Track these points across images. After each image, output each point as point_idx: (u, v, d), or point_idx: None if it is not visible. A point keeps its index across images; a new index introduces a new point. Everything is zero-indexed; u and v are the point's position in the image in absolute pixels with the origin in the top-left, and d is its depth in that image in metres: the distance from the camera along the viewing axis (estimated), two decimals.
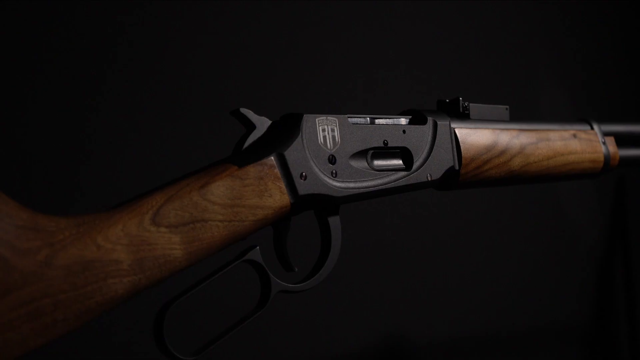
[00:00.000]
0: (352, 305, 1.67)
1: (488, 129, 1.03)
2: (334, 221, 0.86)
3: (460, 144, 0.98)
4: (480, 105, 1.05)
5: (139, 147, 1.39)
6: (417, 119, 0.95)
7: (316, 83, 1.63)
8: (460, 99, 1.03)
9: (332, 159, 0.83)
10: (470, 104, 1.03)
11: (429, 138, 0.94)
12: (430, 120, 0.95)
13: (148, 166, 1.37)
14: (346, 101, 1.66)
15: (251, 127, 0.80)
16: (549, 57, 2.12)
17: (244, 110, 0.80)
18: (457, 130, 0.98)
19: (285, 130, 0.81)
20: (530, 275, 2.06)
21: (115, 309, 0.66)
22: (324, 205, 0.84)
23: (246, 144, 0.79)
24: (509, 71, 2.01)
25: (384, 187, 0.88)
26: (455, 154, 0.98)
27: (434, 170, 0.94)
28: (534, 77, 2.07)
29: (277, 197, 0.77)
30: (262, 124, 0.81)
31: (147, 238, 0.67)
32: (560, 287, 2.12)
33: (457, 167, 0.97)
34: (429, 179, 0.93)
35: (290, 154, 0.79)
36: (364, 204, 0.92)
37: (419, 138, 0.93)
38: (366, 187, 0.86)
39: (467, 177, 1.00)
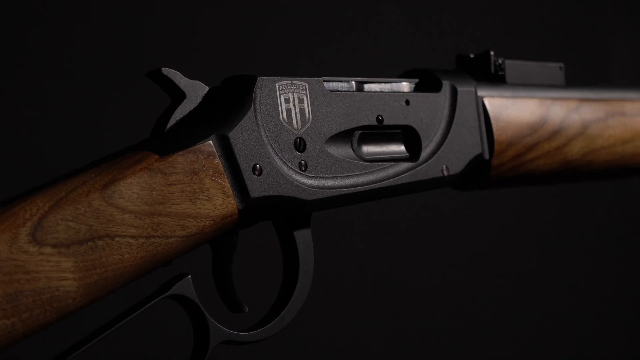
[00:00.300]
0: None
1: (534, 98, 1.04)
2: (303, 237, 0.86)
3: (492, 122, 0.99)
4: (522, 62, 1.07)
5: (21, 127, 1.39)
6: (427, 84, 0.96)
7: (275, 33, 1.63)
8: (492, 53, 1.04)
9: (300, 144, 0.83)
10: (507, 61, 1.05)
11: (445, 112, 0.95)
12: (446, 85, 0.96)
13: (33, 154, 1.38)
14: (320, 60, 1.67)
15: (179, 95, 0.80)
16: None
17: (167, 72, 0.79)
18: (486, 101, 0.99)
19: (230, 100, 0.81)
20: (592, 315, 2.12)
21: None
22: (287, 213, 0.84)
23: (171, 122, 0.79)
24: (564, 13, 2.02)
25: (377, 186, 0.88)
26: (485, 136, 0.99)
27: (453, 160, 0.95)
28: (601, 21, 2.09)
29: (219, 200, 0.77)
30: (195, 91, 0.80)
31: (24, 263, 0.66)
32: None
33: (487, 156, 0.98)
34: (446, 173, 0.94)
35: (238, 136, 0.78)
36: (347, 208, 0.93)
37: (429, 112, 0.94)
38: (351, 187, 0.86)
39: (502, 171, 1.01)
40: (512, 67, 1.05)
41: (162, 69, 0.79)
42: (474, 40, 1.82)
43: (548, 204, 2.06)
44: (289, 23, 1.68)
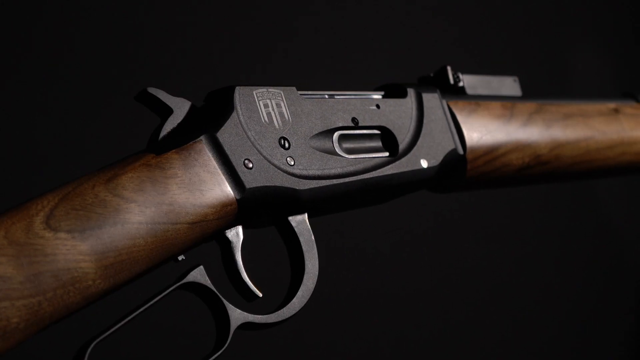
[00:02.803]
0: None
1: (496, 101, 1.06)
2: (300, 223, 0.87)
3: (460, 121, 1.01)
4: (478, 76, 1.09)
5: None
6: (394, 93, 0.99)
7: (252, 55, 1.67)
8: (448, 67, 1.06)
9: (284, 143, 0.85)
10: (464, 75, 1.07)
11: (414, 113, 0.97)
12: (411, 91, 0.99)
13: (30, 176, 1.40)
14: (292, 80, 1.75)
15: (166, 111, 0.82)
16: (583, 15, 2.19)
17: (153, 91, 0.81)
18: (452, 104, 1.02)
19: (214, 109, 0.83)
20: (560, 305, 2.17)
21: (10, 351, 0.66)
22: (283, 204, 0.85)
23: (162, 133, 0.81)
24: (522, 33, 2.07)
25: (363, 177, 0.90)
26: (456, 133, 1.00)
27: (430, 154, 0.96)
28: (557, 37, 2.14)
29: (217, 191, 0.78)
30: (180, 106, 0.82)
31: (41, 246, 0.67)
32: (601, 322, 2.22)
33: (461, 151, 1.00)
34: (425, 165, 0.95)
35: (225, 135, 0.80)
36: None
37: (399, 114, 0.96)
38: (338, 177, 0.88)
39: (477, 165, 1.02)
40: (470, 80, 1.07)
41: (148, 88, 0.82)
42: (436, 62, 1.88)
43: (533, 210, 2.15)
44: (267, 48, 1.72)
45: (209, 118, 0.82)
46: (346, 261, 1.82)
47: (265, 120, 0.84)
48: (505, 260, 2.11)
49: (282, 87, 0.88)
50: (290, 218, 0.86)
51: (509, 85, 1.12)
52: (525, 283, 2.14)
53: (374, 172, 0.91)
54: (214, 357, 0.78)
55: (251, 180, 0.81)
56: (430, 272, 2.00)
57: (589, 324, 2.24)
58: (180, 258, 0.78)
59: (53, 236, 0.68)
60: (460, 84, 1.06)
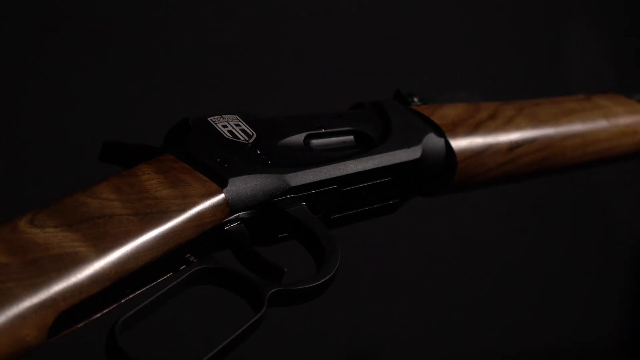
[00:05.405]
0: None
1: (461, 102, 1.07)
2: (300, 212, 0.84)
3: (429, 116, 1.01)
4: (433, 92, 1.10)
5: None
6: (352, 107, 1.00)
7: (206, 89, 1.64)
8: (399, 90, 1.07)
9: (255, 149, 0.84)
10: (419, 94, 1.07)
11: (377, 116, 0.97)
12: (367, 103, 1.00)
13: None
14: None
15: (129, 159, 0.81)
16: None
17: (112, 142, 0.83)
18: (414, 107, 1.02)
19: (173, 138, 0.84)
20: (553, 283, 2.27)
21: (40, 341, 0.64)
22: (274, 193, 0.82)
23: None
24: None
25: (348, 162, 0.88)
26: (428, 125, 1.00)
27: (408, 139, 0.95)
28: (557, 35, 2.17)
29: (199, 184, 0.77)
30: (142, 149, 0.82)
31: (32, 239, 0.67)
32: (593, 300, 2.32)
33: (441, 137, 0.99)
34: (407, 146, 0.94)
35: (191, 145, 0.80)
36: None
37: (362, 118, 0.96)
38: (324, 163, 0.86)
39: (463, 148, 1.01)
40: (426, 95, 1.08)
41: (106, 141, 0.83)
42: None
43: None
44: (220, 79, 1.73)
45: (171, 141, 0.83)
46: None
47: (228, 137, 0.84)
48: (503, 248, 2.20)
49: (236, 112, 0.88)
50: (289, 211, 0.83)
51: (469, 96, 1.13)
52: (523, 274, 2.23)
53: (357, 158, 0.89)
54: (252, 320, 0.73)
55: (232, 173, 0.79)
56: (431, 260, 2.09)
57: (585, 308, 2.33)
58: (189, 257, 0.76)
59: (41, 231, 0.68)
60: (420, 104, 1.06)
